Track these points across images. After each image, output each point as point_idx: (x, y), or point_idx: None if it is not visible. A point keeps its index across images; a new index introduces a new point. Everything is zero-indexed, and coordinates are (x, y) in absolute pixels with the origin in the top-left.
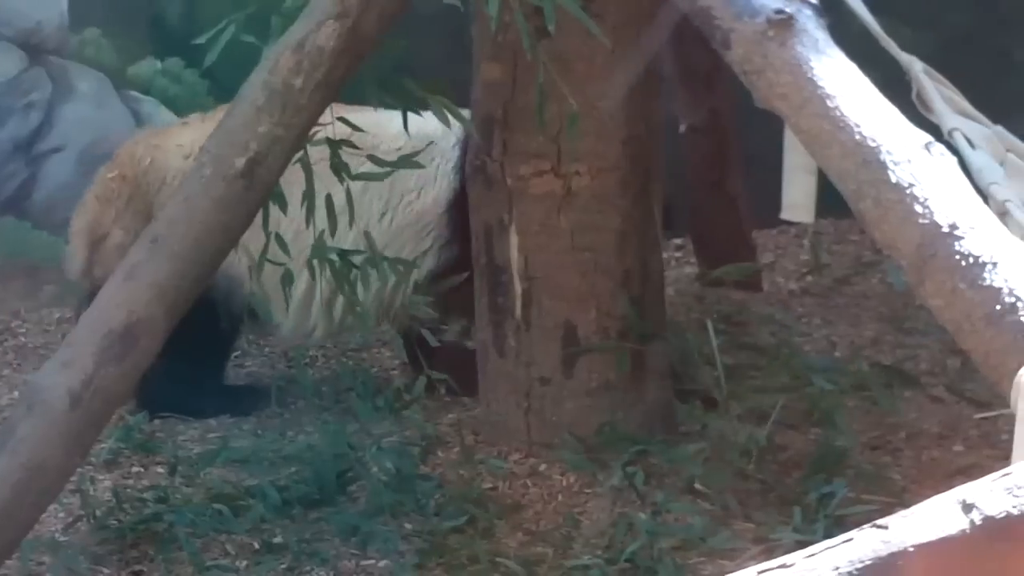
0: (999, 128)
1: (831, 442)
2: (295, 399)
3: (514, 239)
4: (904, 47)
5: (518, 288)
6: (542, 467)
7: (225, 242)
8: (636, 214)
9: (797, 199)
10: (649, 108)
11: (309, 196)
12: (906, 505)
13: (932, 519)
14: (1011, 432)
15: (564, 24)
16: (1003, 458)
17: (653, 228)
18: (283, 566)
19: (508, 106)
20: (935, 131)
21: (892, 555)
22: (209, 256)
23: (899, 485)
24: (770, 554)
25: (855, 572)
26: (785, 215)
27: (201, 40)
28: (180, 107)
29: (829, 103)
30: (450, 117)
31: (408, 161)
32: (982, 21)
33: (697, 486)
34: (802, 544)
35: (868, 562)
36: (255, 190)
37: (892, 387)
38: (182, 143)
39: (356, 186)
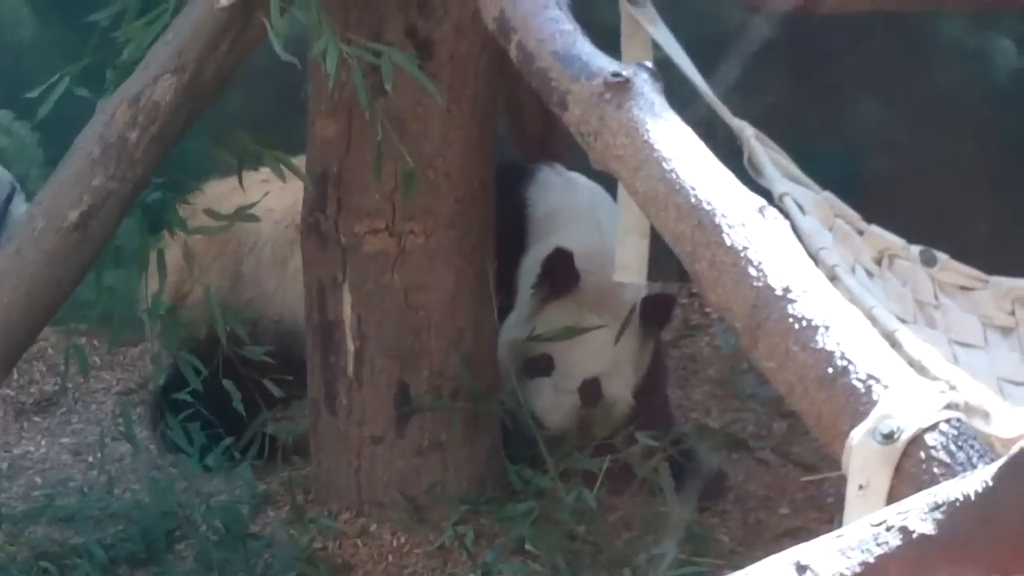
0: (827, 194)
1: (659, 504)
2: (123, 456)
3: (347, 297)
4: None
5: (351, 346)
6: (372, 527)
7: (57, 296)
8: (469, 272)
9: (629, 261)
10: (484, 167)
11: (144, 251)
12: (734, 567)
13: None
14: (837, 495)
15: (399, 83)
16: (828, 520)
17: (486, 286)
18: None
19: (343, 164)
20: (766, 196)
21: None
22: (40, 310)
23: (727, 547)
24: None
25: None
26: (617, 277)
27: (33, 94)
28: (9, 160)
29: (665, 165)
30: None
31: (244, 214)
32: (803, 92)
33: (527, 547)
34: None
35: None
36: (88, 243)
37: (720, 450)
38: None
39: None
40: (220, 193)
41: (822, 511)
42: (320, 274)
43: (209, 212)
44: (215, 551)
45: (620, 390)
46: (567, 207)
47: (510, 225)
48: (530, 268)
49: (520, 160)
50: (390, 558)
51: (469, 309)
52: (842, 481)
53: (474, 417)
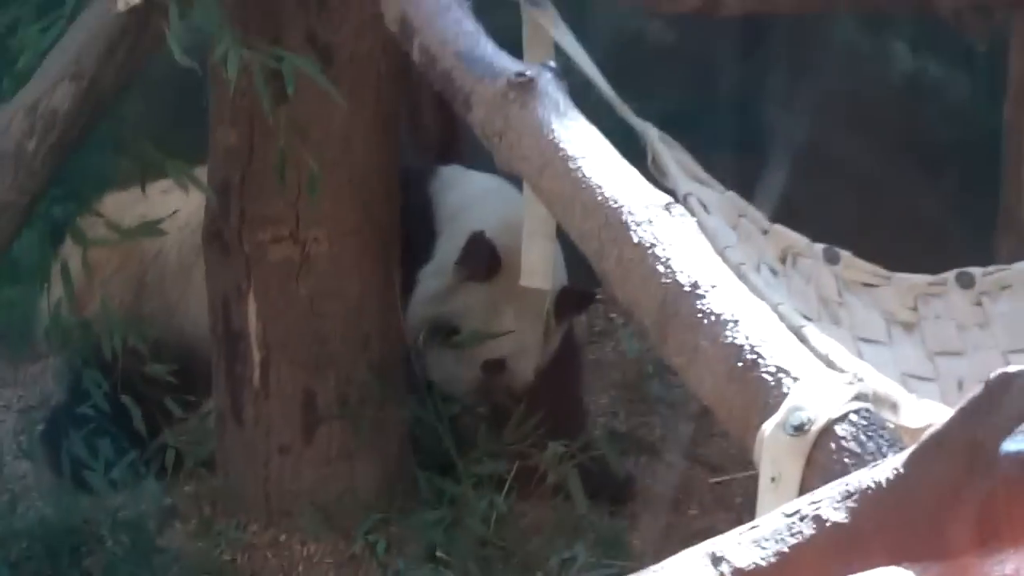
0: (731, 194)
1: (568, 508)
2: (25, 474)
3: (252, 306)
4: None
5: (256, 356)
6: (282, 537)
7: None
8: (375, 279)
9: (535, 265)
10: (388, 171)
11: (44, 264)
12: (646, 567)
13: (682, 573)
14: (744, 495)
15: (301, 88)
16: (737, 521)
17: (392, 292)
18: None
19: (245, 171)
20: (671, 197)
21: None
22: None
23: (637, 549)
24: None
25: None
26: (524, 281)
27: None
28: None
29: (571, 164)
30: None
31: (149, 229)
32: (704, 94)
33: (439, 554)
34: None
35: None
36: None
37: (626, 453)
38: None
39: None
40: (121, 203)
41: (730, 511)
42: (224, 284)
43: (110, 225)
44: (122, 566)
45: (523, 368)
46: (475, 193)
47: (417, 216)
48: (445, 245)
49: (421, 163)
50: (300, 568)
51: (375, 316)
52: (750, 482)
53: (382, 425)
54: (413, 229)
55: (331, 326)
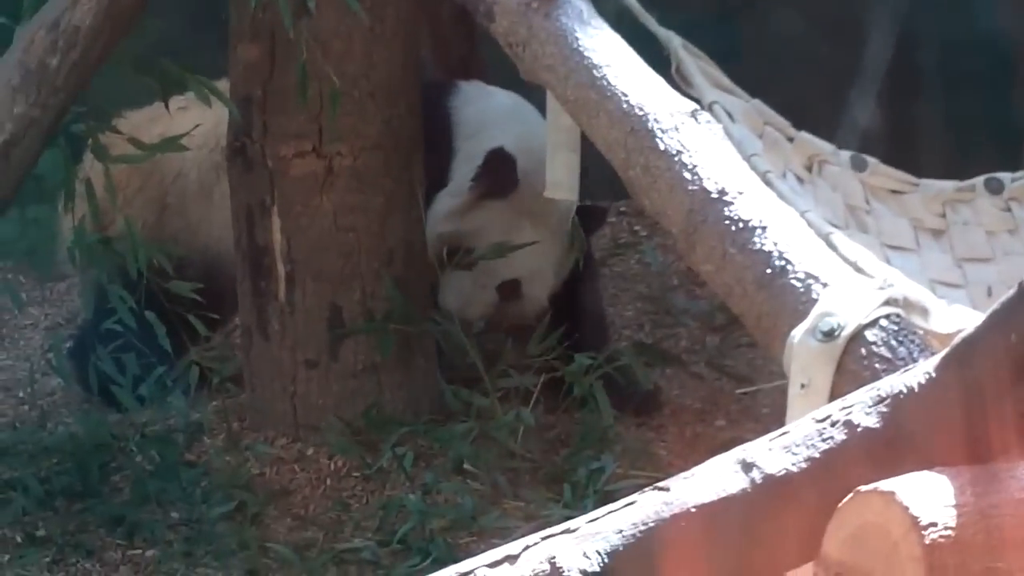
0: (756, 101)
1: (595, 420)
2: (54, 391)
3: (276, 221)
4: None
5: (281, 271)
6: (309, 451)
7: None
8: (399, 194)
9: (560, 177)
10: (410, 86)
11: (68, 181)
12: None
13: (713, 479)
14: (772, 406)
15: (321, 2)
16: (764, 432)
17: (416, 207)
18: (47, 559)
19: (267, 87)
20: None
21: (674, 516)
22: None
23: (665, 460)
24: (541, 530)
25: (638, 534)
26: (548, 193)
27: None
28: None
29: (595, 73)
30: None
31: (172, 144)
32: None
33: (466, 466)
34: (572, 519)
35: (651, 524)
36: (11, 172)
37: (652, 365)
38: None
39: None
40: (140, 122)
41: (758, 422)
42: (248, 199)
43: (133, 141)
44: (151, 481)
45: (538, 292)
46: (494, 111)
47: (436, 133)
48: (462, 165)
49: (441, 78)
50: (328, 482)
51: (399, 230)
52: (776, 393)
53: (407, 339)
54: (431, 147)
55: (355, 240)
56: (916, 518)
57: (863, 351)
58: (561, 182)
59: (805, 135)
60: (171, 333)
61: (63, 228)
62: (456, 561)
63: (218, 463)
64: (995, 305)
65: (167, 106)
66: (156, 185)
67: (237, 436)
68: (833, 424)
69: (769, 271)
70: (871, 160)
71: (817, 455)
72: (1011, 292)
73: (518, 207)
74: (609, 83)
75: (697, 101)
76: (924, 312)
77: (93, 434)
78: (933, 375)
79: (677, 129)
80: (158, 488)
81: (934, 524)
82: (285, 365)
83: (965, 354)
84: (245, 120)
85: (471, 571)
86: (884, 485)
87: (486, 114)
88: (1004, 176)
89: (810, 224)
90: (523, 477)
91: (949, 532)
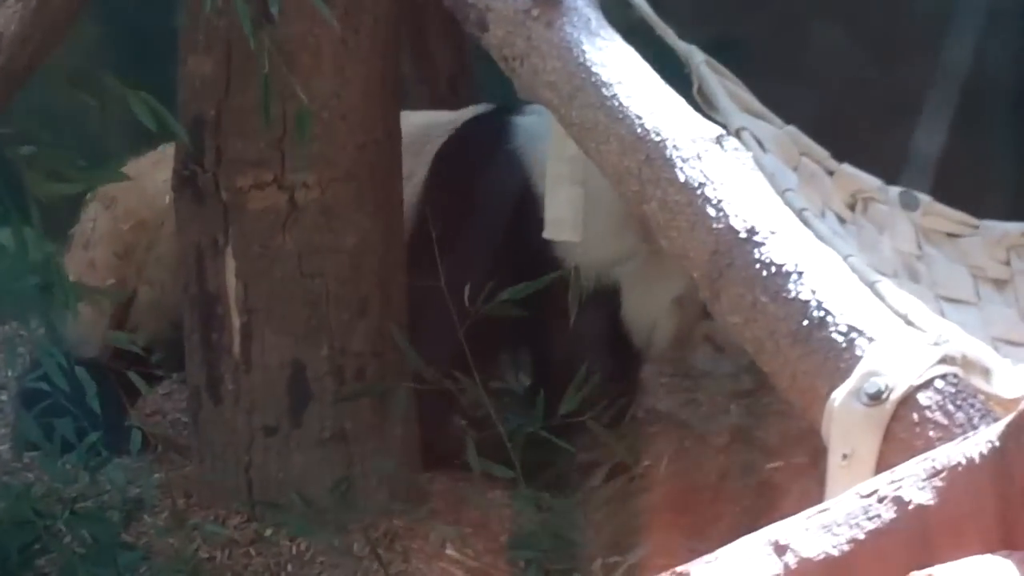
0: (792, 128)
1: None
2: None
3: (230, 264)
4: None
5: (236, 322)
6: (267, 532)
7: None
8: (374, 231)
9: (563, 215)
10: (388, 108)
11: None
12: None
13: (740, 564)
14: (805, 483)
15: (287, 8)
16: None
17: (396, 247)
18: None
19: (222, 106)
20: None
21: None
22: None
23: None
24: None
25: None
26: (548, 234)
27: None
28: None
29: (605, 92)
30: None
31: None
32: (759, 19)
33: (449, 551)
34: None
35: None
36: None
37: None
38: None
39: None
40: (144, 168)
41: (790, 500)
42: (198, 237)
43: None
44: (82, 566)
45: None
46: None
47: (506, 181)
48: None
49: (492, 111)
50: (289, 568)
51: (374, 274)
52: (813, 469)
53: (383, 402)
54: (501, 197)
55: (322, 287)
56: None
57: (915, 416)
58: (563, 220)
59: (848, 168)
60: (110, 392)
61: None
62: None
63: (161, 545)
64: None
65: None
66: (167, 239)
67: (183, 514)
68: (880, 500)
69: (806, 323)
70: (924, 198)
71: (862, 536)
72: None
73: None
74: (621, 103)
75: (723, 127)
76: (986, 372)
77: (13, 510)
78: (996, 444)
79: (699, 157)
80: (91, 574)
81: None
82: (239, 431)
83: None
84: (195, 145)
85: None
86: (940, 571)
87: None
88: None
89: (853, 270)
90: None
91: None
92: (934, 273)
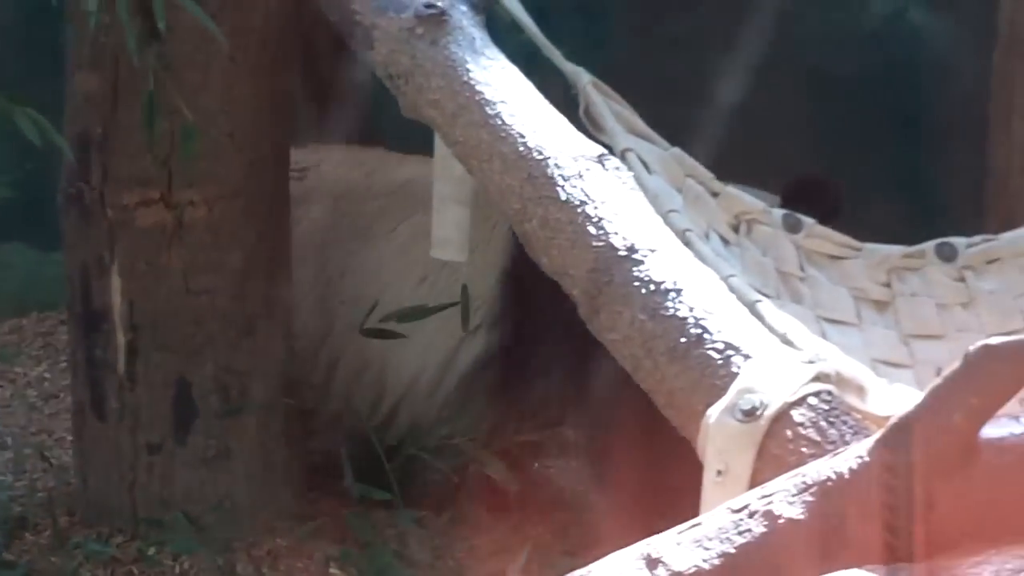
0: (676, 150)
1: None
2: None
3: (116, 281)
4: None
5: (121, 339)
6: (151, 551)
7: None
8: (261, 250)
9: (448, 234)
10: (277, 126)
11: None
12: None
13: None
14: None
15: (174, 25)
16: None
17: (284, 266)
18: None
19: (108, 123)
20: None
21: None
22: None
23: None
24: None
25: None
26: (435, 253)
27: None
28: None
29: (489, 110)
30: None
31: None
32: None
33: (333, 571)
34: None
35: None
36: None
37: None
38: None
39: (393, 245)
40: None
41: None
42: (83, 255)
43: None
44: None
45: None
46: None
47: None
48: None
49: None
50: None
51: (260, 293)
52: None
53: (267, 421)
54: None
55: (208, 305)
56: None
57: (789, 433)
58: (449, 240)
59: (732, 189)
60: None
61: None
62: None
63: (43, 564)
64: (936, 381)
65: None
66: None
67: (66, 532)
68: (751, 515)
69: (683, 340)
70: (807, 220)
71: (732, 550)
72: (954, 366)
73: None
74: (504, 122)
75: (609, 148)
76: (860, 391)
77: None
78: (865, 459)
79: (581, 176)
80: None
81: None
82: (123, 449)
83: (901, 436)
84: (81, 162)
85: None
86: None
87: None
88: (958, 241)
89: (734, 290)
90: None
91: None
92: (816, 295)
